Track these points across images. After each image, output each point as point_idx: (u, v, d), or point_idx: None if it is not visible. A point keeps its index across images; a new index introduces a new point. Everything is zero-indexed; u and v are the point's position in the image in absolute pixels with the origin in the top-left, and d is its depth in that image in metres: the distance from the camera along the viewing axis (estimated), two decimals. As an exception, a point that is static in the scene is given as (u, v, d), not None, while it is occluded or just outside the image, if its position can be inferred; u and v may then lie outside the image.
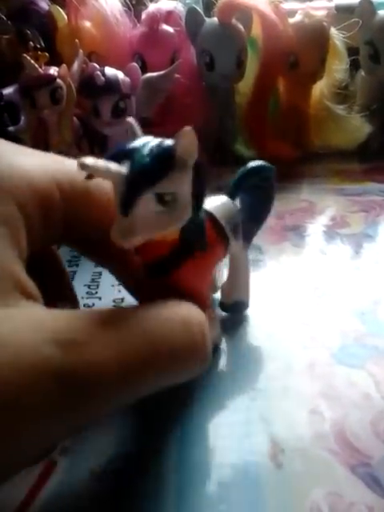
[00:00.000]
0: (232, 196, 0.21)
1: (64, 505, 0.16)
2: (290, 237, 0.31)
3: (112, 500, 0.16)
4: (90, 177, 0.14)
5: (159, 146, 0.14)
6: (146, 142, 0.14)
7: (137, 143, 0.14)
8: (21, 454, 0.12)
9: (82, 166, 0.13)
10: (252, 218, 0.22)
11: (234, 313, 0.24)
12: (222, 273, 0.24)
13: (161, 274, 0.17)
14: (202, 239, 0.17)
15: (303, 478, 0.16)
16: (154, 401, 0.19)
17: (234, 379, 0.20)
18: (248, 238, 0.22)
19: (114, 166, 0.14)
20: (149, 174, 0.14)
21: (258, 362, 0.21)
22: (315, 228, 0.32)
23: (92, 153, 0.36)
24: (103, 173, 0.14)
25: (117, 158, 0.14)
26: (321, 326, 0.23)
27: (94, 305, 0.25)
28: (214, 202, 0.20)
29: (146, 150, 0.14)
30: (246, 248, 0.22)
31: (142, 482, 0.16)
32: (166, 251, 0.16)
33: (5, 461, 0.11)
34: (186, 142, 0.14)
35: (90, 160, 0.13)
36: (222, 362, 0.21)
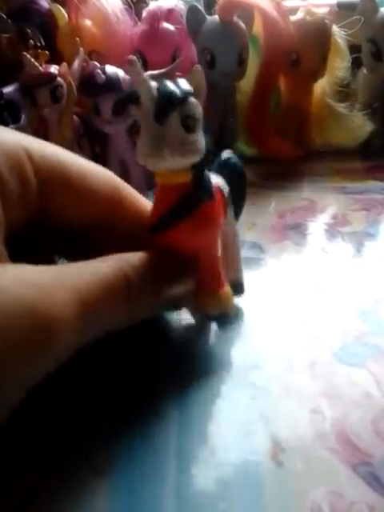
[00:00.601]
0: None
1: (64, 504, 0.15)
2: (291, 235, 0.31)
3: (111, 499, 0.16)
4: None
5: (177, 80, 0.17)
6: (162, 79, 0.17)
7: (159, 81, 0.17)
8: (5, 391, 0.13)
9: (130, 62, 0.16)
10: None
11: (236, 294, 0.23)
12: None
13: (169, 223, 0.18)
14: (210, 188, 0.19)
15: (304, 477, 0.16)
16: (154, 399, 0.19)
17: (234, 378, 0.20)
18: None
19: (151, 81, 0.17)
20: (176, 94, 0.16)
21: (258, 361, 0.21)
22: (316, 226, 0.32)
23: (93, 151, 0.36)
24: (141, 81, 0.16)
25: (134, 93, 0.17)
26: (322, 324, 0.23)
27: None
28: (213, 179, 0.21)
29: (168, 82, 0.17)
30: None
31: (142, 480, 0.16)
32: (178, 197, 0.18)
33: None
34: (197, 77, 0.17)
35: (136, 60, 0.16)
36: (222, 361, 0.21)
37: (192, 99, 0.17)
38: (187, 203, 0.18)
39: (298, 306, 0.24)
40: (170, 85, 0.16)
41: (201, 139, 0.17)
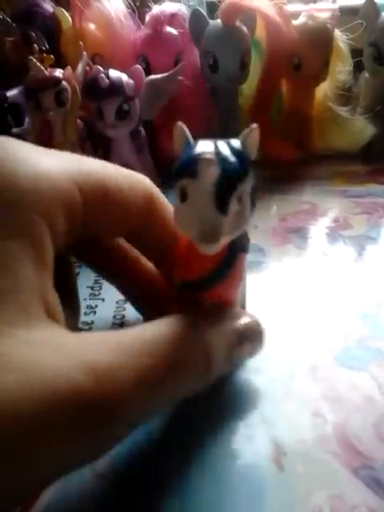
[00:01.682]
0: None
1: (66, 507, 0.16)
2: (293, 239, 0.31)
3: (113, 502, 0.16)
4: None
5: (234, 146, 0.15)
6: (218, 145, 0.15)
7: (206, 147, 0.14)
8: (43, 476, 0.12)
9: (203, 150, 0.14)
10: None
11: None
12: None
13: (214, 283, 0.17)
14: (243, 239, 0.17)
15: (305, 481, 0.16)
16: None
17: (236, 381, 0.20)
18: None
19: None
20: (239, 172, 0.14)
21: (259, 364, 0.21)
22: (318, 230, 0.32)
23: (95, 155, 0.36)
24: (209, 157, 0.14)
25: (188, 164, 0.14)
26: (323, 328, 0.23)
27: (96, 306, 0.25)
28: None
29: (225, 152, 0.14)
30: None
31: (144, 484, 0.16)
32: (209, 267, 0.16)
33: (32, 485, 0.12)
34: (252, 140, 0.15)
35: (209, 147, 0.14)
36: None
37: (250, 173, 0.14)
38: (229, 264, 0.16)
39: (300, 310, 0.24)
40: (231, 162, 0.14)
41: (248, 207, 0.15)
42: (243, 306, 0.23)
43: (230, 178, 0.14)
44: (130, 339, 0.14)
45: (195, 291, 0.17)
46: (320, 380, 0.20)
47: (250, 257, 0.29)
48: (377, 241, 0.31)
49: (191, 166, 0.14)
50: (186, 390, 0.15)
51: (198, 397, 0.19)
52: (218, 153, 0.14)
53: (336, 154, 0.43)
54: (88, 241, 0.18)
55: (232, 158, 0.14)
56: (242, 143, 0.15)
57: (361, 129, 0.42)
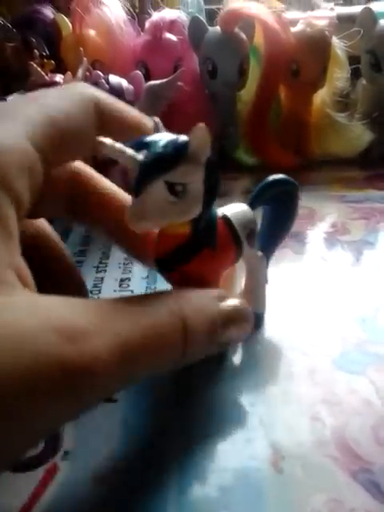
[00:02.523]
0: (251, 205, 0.21)
1: (66, 509, 0.16)
2: (291, 244, 0.31)
3: (113, 504, 0.16)
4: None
5: (174, 139, 0.16)
6: (164, 136, 0.16)
7: (155, 136, 0.16)
8: (23, 438, 0.12)
9: (101, 145, 0.15)
10: (271, 231, 0.23)
11: None
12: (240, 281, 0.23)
13: (169, 267, 0.18)
14: (211, 236, 0.19)
15: (304, 484, 0.16)
16: (155, 406, 0.19)
17: (234, 384, 0.20)
18: (267, 250, 0.23)
19: (130, 151, 0.15)
20: (161, 161, 0.15)
21: (258, 368, 0.21)
22: (316, 235, 0.32)
23: (95, 160, 0.36)
24: (119, 154, 0.15)
25: (135, 147, 0.15)
26: (321, 332, 0.23)
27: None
28: (232, 208, 0.20)
29: (162, 142, 0.15)
30: (263, 260, 0.22)
31: (143, 486, 0.16)
32: (176, 246, 0.18)
33: (7, 446, 0.11)
34: (199, 138, 0.15)
35: (108, 140, 0.15)
36: (222, 368, 0.21)
37: (185, 166, 0.15)
38: (181, 254, 0.18)
39: (298, 314, 0.24)
40: (155, 152, 0.15)
41: (193, 202, 0.16)
42: (262, 313, 0.23)
43: (148, 164, 0.15)
44: (107, 305, 0.14)
45: (164, 270, 0.19)
46: (318, 384, 0.20)
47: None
48: (374, 246, 0.31)
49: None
50: (162, 362, 0.15)
51: (196, 399, 0.19)
52: (150, 142, 0.16)
53: (334, 160, 0.43)
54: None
55: (159, 149, 0.15)
56: (189, 139, 0.15)
57: (358, 135, 0.42)
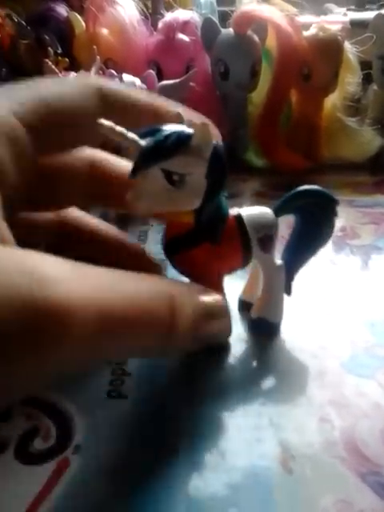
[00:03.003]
0: (276, 211, 0.21)
1: (76, 504, 0.16)
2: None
3: (123, 499, 0.16)
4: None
5: (180, 131, 0.16)
6: (174, 127, 0.16)
7: (166, 126, 0.16)
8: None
9: (99, 126, 0.15)
10: (298, 244, 0.22)
11: (257, 330, 0.23)
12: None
13: (170, 254, 0.19)
14: (215, 232, 0.19)
15: (313, 485, 0.16)
16: (165, 404, 0.19)
17: (244, 385, 0.20)
18: (291, 262, 0.22)
19: (132, 135, 0.16)
20: (160, 148, 0.16)
21: (267, 370, 0.21)
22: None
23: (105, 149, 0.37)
24: (120, 137, 0.16)
25: (143, 134, 0.16)
26: (330, 335, 0.23)
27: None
28: (252, 209, 0.20)
29: (166, 132, 0.16)
30: (281, 270, 0.22)
31: (153, 482, 0.16)
32: (178, 234, 0.18)
33: None
34: (203, 132, 0.16)
35: (107, 122, 0.15)
36: (233, 369, 0.21)
37: (185, 157, 0.16)
38: (182, 243, 0.19)
39: (307, 317, 0.24)
40: (158, 139, 0.16)
41: (192, 194, 0.17)
42: (265, 319, 0.23)
43: (146, 150, 0.16)
44: (97, 270, 0.13)
45: (167, 256, 0.19)
46: (328, 386, 0.20)
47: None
48: (383, 250, 0.31)
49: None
50: (145, 341, 0.15)
51: (207, 398, 0.19)
52: (156, 130, 0.16)
53: (343, 165, 0.43)
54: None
55: (161, 137, 0.16)
56: (194, 132, 0.16)
57: (368, 140, 0.42)
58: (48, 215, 0.20)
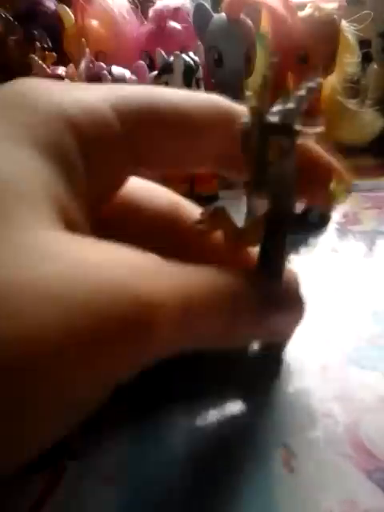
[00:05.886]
0: None
1: (74, 509, 0.15)
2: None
3: (122, 504, 0.15)
4: None
5: (191, 56, 0.30)
6: (181, 55, 0.26)
7: (175, 56, 0.26)
8: (85, 390, 0.11)
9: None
10: None
11: None
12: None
13: None
14: None
15: (317, 484, 0.15)
16: (163, 404, 0.19)
17: (244, 380, 0.19)
18: None
19: None
20: (195, 66, 0.31)
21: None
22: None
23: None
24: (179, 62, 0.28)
25: (167, 65, 0.31)
26: (333, 326, 0.22)
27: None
28: None
29: (185, 57, 0.31)
30: None
31: (152, 487, 0.16)
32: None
33: (84, 393, 0.11)
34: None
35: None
36: (232, 363, 0.21)
37: None
38: None
39: (309, 307, 0.24)
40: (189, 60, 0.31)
41: None
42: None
43: (190, 67, 0.26)
44: (169, 263, 0.13)
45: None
46: (331, 380, 0.19)
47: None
48: (388, 236, 0.30)
49: (168, 66, 0.31)
50: (210, 331, 0.14)
51: (206, 396, 0.19)
52: (181, 57, 0.28)
53: (345, 148, 0.42)
54: None
55: (189, 59, 0.30)
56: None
57: (370, 122, 0.41)
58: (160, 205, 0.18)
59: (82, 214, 0.13)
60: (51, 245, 0.11)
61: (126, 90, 0.15)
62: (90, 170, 0.13)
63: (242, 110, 0.16)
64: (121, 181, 0.16)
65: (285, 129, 0.14)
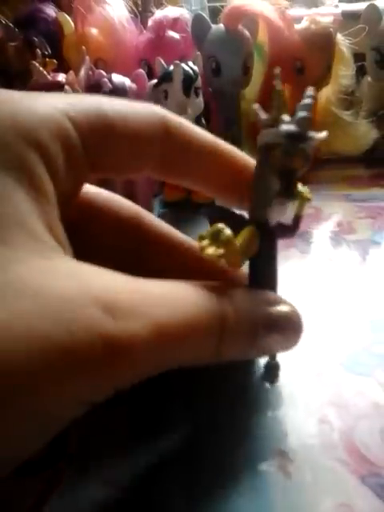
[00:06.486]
0: None
1: (73, 511, 0.15)
2: (296, 243, 0.31)
3: (119, 507, 0.15)
4: None
5: (189, 65, 0.32)
6: (180, 64, 0.28)
7: (174, 66, 0.29)
8: (56, 411, 0.11)
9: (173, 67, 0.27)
10: None
11: None
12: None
13: None
14: None
15: (312, 489, 0.16)
16: (161, 408, 0.19)
17: (240, 386, 0.20)
18: None
19: None
20: (193, 75, 0.35)
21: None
22: (322, 234, 0.32)
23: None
24: (178, 71, 0.32)
25: (166, 75, 0.34)
26: (328, 333, 0.23)
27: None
28: None
29: (185, 67, 0.34)
30: None
31: (149, 488, 0.16)
32: None
33: (42, 420, 0.11)
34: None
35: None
36: (228, 369, 0.21)
37: None
38: None
39: (304, 315, 0.24)
40: (188, 70, 0.32)
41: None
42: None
43: (189, 76, 0.31)
44: (149, 285, 0.13)
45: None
46: (326, 386, 0.19)
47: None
48: (381, 245, 0.30)
49: (168, 75, 0.33)
50: (194, 355, 0.14)
51: (204, 401, 0.19)
52: (180, 66, 0.31)
53: (339, 158, 0.43)
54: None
55: (188, 69, 0.32)
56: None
57: (364, 133, 0.42)
58: (122, 212, 0.19)
59: (58, 223, 0.13)
60: (32, 279, 0.11)
61: (77, 99, 0.15)
62: (54, 180, 0.14)
63: (176, 119, 0.17)
64: (80, 187, 0.16)
65: (306, 137, 0.14)
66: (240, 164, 0.18)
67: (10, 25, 0.40)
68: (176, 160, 0.17)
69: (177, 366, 0.14)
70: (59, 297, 0.11)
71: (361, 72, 0.43)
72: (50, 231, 0.13)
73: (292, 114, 0.42)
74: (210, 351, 0.14)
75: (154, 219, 0.19)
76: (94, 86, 0.33)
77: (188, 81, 0.33)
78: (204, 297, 0.14)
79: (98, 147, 0.15)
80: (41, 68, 0.31)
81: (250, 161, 0.18)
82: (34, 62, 0.31)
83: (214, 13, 0.42)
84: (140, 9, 0.44)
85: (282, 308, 0.17)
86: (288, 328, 0.17)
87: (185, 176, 0.18)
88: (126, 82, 0.33)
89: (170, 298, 0.13)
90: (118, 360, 0.11)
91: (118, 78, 0.33)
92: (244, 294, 0.16)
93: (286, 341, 0.17)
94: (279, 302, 0.17)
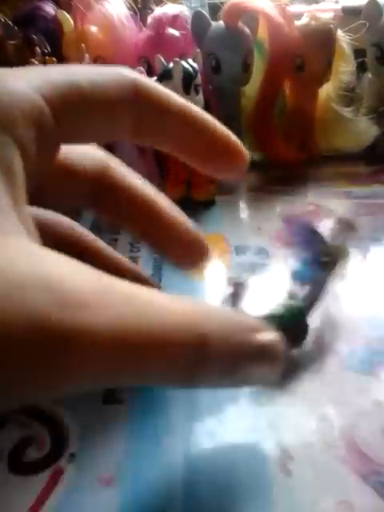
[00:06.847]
0: None
1: (73, 511, 0.15)
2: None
3: (119, 506, 0.15)
4: None
5: (189, 63, 0.35)
6: (180, 61, 0.31)
7: (174, 63, 0.31)
8: None
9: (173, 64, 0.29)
10: None
11: None
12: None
13: None
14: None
15: (313, 487, 0.16)
16: (160, 407, 0.19)
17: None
18: None
19: None
20: (193, 72, 0.34)
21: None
22: (322, 231, 0.32)
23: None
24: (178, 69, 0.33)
25: (166, 72, 0.34)
26: (328, 330, 0.22)
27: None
28: None
29: (184, 64, 0.34)
30: None
31: (149, 488, 0.16)
32: None
33: None
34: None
35: None
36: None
37: None
38: None
39: (304, 315, 0.24)
40: (188, 67, 0.32)
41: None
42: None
43: (188, 73, 0.31)
44: (124, 286, 0.12)
45: None
46: (326, 383, 0.19)
47: (253, 258, 0.29)
48: (381, 242, 0.30)
49: (168, 72, 0.33)
50: (165, 376, 0.13)
51: (203, 400, 0.19)
52: (180, 64, 0.31)
53: (339, 155, 0.43)
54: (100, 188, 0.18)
55: (187, 66, 0.32)
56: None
57: (364, 129, 0.42)
58: (89, 160, 0.18)
59: (25, 208, 0.13)
60: None
61: (50, 71, 0.15)
62: (25, 162, 0.13)
63: (146, 80, 0.17)
64: (51, 162, 0.16)
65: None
66: (210, 125, 0.18)
67: (10, 23, 0.40)
68: (148, 122, 0.17)
69: (142, 382, 0.13)
70: (8, 275, 0.10)
71: (361, 68, 0.43)
72: (17, 214, 0.12)
73: (292, 111, 0.44)
74: (182, 372, 0.13)
75: (121, 168, 0.19)
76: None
77: (188, 78, 0.33)
78: (183, 308, 0.13)
79: (70, 118, 0.15)
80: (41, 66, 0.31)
81: (219, 125, 0.18)
82: (33, 60, 0.31)
83: (214, 10, 0.42)
84: (139, 6, 0.44)
85: (266, 336, 0.15)
86: (270, 358, 0.15)
87: (158, 138, 0.18)
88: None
89: (142, 300, 0.12)
90: (60, 355, 0.10)
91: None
92: (227, 318, 0.14)
93: (267, 372, 0.15)
94: (262, 329, 0.15)
